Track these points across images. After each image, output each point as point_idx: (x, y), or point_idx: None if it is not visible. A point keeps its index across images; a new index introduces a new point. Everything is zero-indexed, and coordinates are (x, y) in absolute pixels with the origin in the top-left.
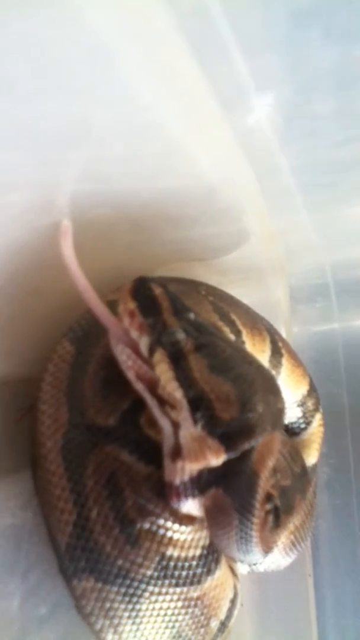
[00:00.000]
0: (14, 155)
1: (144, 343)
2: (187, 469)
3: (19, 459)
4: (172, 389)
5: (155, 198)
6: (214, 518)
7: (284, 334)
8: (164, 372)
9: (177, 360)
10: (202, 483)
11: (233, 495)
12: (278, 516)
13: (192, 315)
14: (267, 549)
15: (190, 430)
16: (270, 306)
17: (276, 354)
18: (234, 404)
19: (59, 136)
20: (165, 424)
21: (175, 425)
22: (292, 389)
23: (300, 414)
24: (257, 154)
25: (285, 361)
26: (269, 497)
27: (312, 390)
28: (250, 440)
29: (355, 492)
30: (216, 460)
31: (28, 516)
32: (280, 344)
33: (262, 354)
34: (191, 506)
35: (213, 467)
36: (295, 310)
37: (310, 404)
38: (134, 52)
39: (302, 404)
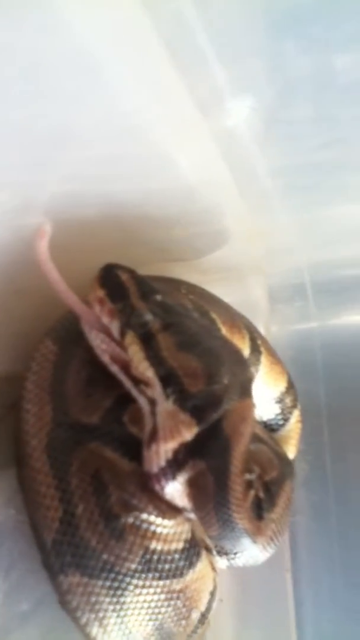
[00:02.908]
0: (0, 156)
1: (115, 327)
2: (162, 451)
3: (2, 457)
4: (144, 368)
5: (136, 199)
6: (196, 494)
7: (263, 332)
8: (135, 353)
9: (147, 340)
10: (179, 460)
11: (209, 459)
12: (262, 508)
13: (158, 297)
14: (252, 529)
15: (164, 406)
16: (250, 305)
17: (255, 351)
18: (201, 377)
19: (44, 138)
20: (143, 402)
21: (152, 403)
22: (270, 386)
23: (278, 411)
24: (236, 157)
25: (263, 358)
26: (249, 484)
27: (290, 387)
28: (217, 410)
29: (332, 488)
30: (189, 433)
31: (10, 513)
32: (259, 342)
33: None
34: (174, 490)
35: (187, 442)
36: (274, 309)
37: (288, 400)
38: (117, 59)
39: (280, 400)
